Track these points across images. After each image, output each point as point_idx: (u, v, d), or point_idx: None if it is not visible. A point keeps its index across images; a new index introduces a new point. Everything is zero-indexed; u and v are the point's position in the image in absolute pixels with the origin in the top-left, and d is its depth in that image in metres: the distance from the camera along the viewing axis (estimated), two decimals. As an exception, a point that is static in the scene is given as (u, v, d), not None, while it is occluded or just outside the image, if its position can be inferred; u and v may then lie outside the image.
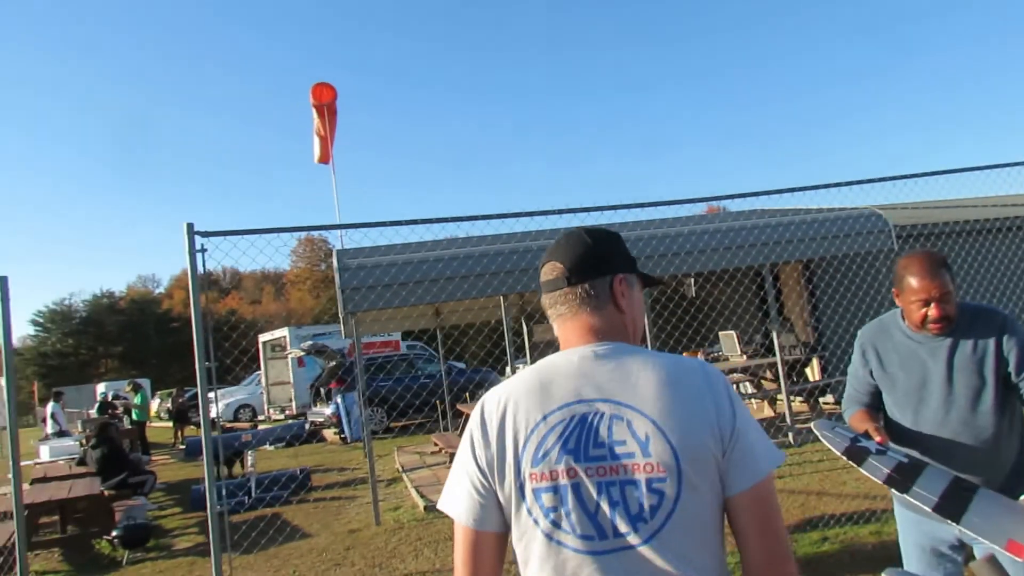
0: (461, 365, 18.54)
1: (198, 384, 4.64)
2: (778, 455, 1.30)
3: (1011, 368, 2.39)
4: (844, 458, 2.42)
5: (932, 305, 2.39)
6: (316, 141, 13.55)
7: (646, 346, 1.56)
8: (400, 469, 10.00)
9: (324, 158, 13.46)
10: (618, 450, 1.26)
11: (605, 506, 1.25)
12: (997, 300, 10.79)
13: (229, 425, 19.99)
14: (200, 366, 4.71)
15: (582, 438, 1.28)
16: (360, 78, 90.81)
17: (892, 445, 2.45)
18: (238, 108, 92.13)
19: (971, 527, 2.11)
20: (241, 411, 22.29)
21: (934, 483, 2.28)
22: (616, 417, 1.28)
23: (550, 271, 1.48)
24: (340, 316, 7.68)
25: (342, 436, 14.47)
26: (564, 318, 1.45)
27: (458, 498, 1.37)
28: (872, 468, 2.33)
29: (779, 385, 8.72)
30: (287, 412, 19.73)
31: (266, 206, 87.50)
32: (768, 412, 10.11)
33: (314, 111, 13.31)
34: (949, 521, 2.16)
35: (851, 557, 4.53)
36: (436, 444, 10.52)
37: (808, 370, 10.71)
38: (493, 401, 1.39)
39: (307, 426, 15.87)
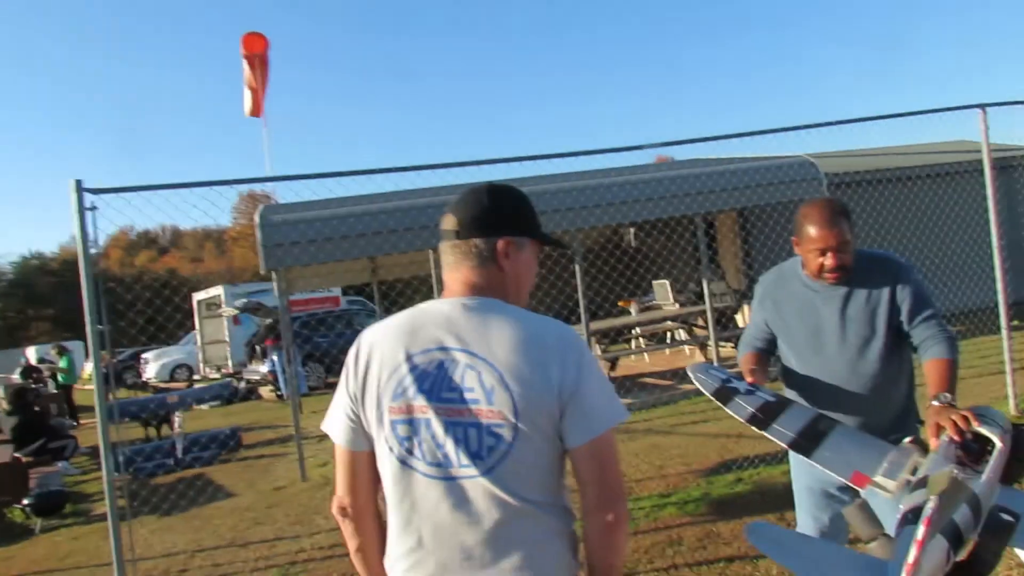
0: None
1: (90, 348, 4.36)
2: (616, 415, 1.43)
3: (903, 317, 2.38)
4: (713, 399, 2.40)
5: (829, 254, 2.35)
6: (247, 93, 13.00)
7: (523, 304, 1.59)
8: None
9: (256, 111, 12.93)
10: (466, 395, 1.39)
11: (451, 442, 1.39)
12: (925, 246, 11.04)
13: (164, 385, 19.51)
14: (92, 329, 4.42)
15: (437, 381, 1.41)
16: (295, 22, 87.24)
17: (762, 387, 2.44)
18: (165, 55, 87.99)
19: (821, 461, 2.14)
20: (178, 371, 21.74)
21: (794, 421, 2.29)
22: (470, 367, 1.40)
23: (446, 222, 1.55)
24: (261, 273, 7.41)
25: (278, 394, 14.22)
26: (450, 268, 1.54)
27: (335, 422, 1.52)
28: (737, 407, 2.34)
29: (708, 332, 8.81)
30: (223, 371, 19.32)
31: (200, 160, 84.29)
32: (700, 358, 10.23)
33: (244, 62, 12.74)
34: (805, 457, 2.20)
35: (762, 497, 4.59)
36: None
37: (739, 316, 10.86)
38: (368, 338, 1.52)
39: (242, 384, 15.56)
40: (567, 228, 8.15)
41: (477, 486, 1.38)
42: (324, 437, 9.02)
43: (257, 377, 15.66)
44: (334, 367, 14.81)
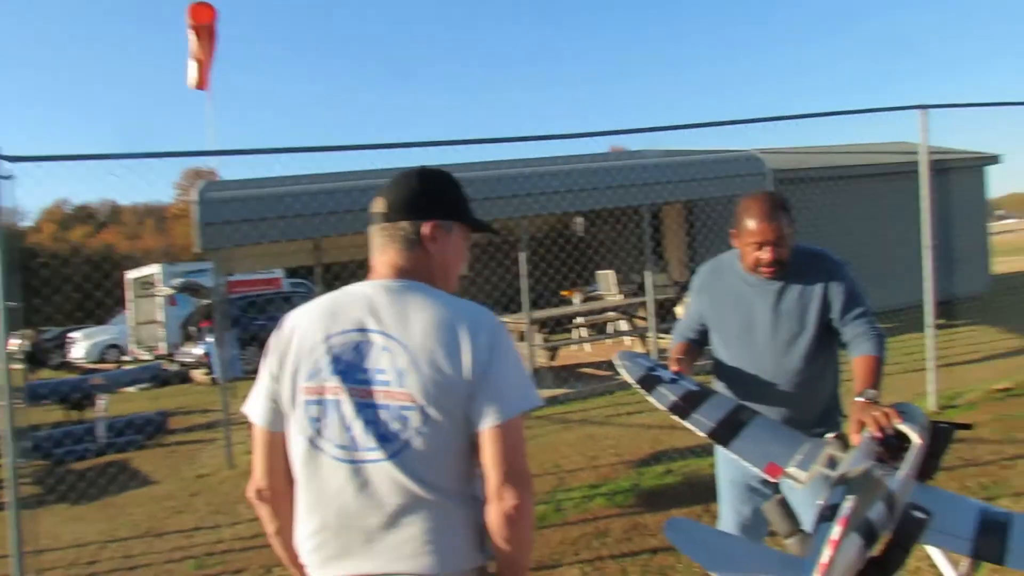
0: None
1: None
2: (527, 402, 1.42)
3: (834, 314, 2.38)
4: (637, 386, 2.36)
5: (765, 248, 2.33)
6: (192, 65, 12.50)
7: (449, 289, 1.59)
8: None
9: (201, 84, 12.44)
10: (378, 377, 1.39)
11: (360, 424, 1.39)
12: (861, 243, 11.29)
13: (92, 366, 18.77)
14: (1, 306, 4.14)
15: (352, 362, 1.41)
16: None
17: (686, 376, 2.42)
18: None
19: (737, 451, 2.13)
20: (108, 351, 20.92)
21: (714, 411, 2.27)
22: (385, 348, 1.40)
23: (375, 205, 1.56)
24: (197, 252, 7.10)
25: (212, 377, 13.81)
26: (378, 250, 1.55)
27: (255, 402, 1.52)
28: (659, 396, 2.31)
29: (649, 323, 8.84)
30: (155, 352, 18.66)
31: (142, 134, 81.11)
32: (640, 348, 10.27)
33: (191, 32, 12.23)
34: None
35: (691, 488, 4.59)
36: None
37: (678, 309, 10.94)
38: (292, 319, 1.53)
39: (175, 367, 15.08)
40: (513, 215, 8.05)
41: (381, 470, 1.38)
42: (253, 423, 8.95)
43: (190, 359, 15.18)
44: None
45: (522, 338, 8.53)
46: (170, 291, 16.97)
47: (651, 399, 2.31)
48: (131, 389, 13.95)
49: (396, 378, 1.38)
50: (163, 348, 18.56)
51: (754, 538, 2.58)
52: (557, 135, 5.85)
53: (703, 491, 4.45)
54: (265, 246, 9.79)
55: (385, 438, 1.38)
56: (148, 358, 18.75)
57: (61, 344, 21.11)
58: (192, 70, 11.99)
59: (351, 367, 1.41)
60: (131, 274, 20.22)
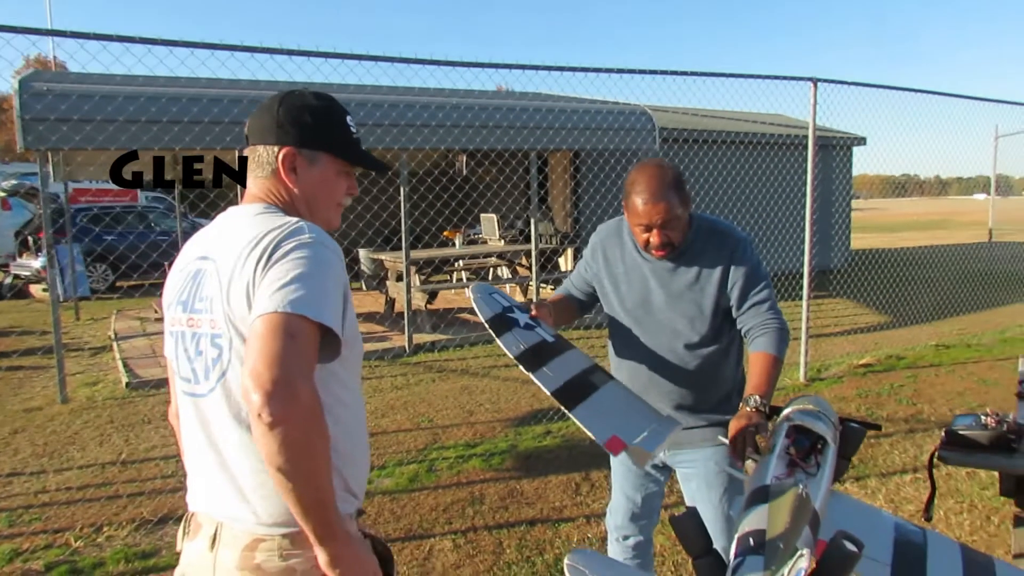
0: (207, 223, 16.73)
1: None
2: (299, 304, 1.20)
3: (732, 300, 2.14)
4: (487, 326, 2.05)
5: (654, 231, 2.07)
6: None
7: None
8: (113, 336, 8.74)
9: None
10: (203, 305, 1.34)
11: (192, 355, 1.36)
12: (744, 210, 11.62)
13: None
14: None
15: (191, 291, 1.37)
16: None
17: (544, 323, 2.16)
18: None
19: (580, 417, 1.89)
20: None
21: (565, 368, 2.03)
22: (212, 274, 1.33)
23: (246, 126, 1.49)
24: (20, 149, 6.15)
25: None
26: (248, 176, 1.47)
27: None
28: (510, 341, 2.01)
29: (531, 272, 8.68)
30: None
31: None
32: (520, 298, 10.15)
33: None
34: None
35: (569, 453, 4.48)
36: (157, 310, 9.32)
37: (562, 260, 10.87)
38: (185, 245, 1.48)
39: (8, 280, 13.58)
40: (392, 146, 7.56)
41: (211, 404, 1.33)
42: (102, 349, 8.02)
43: (28, 272, 13.71)
44: (123, 269, 13.25)
45: (399, 278, 8.15)
46: (0, 193, 15.15)
47: (501, 344, 2.01)
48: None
49: (212, 304, 1.31)
50: (-5, 258, 16.73)
51: (644, 526, 2.44)
52: (447, 62, 5.29)
53: (582, 457, 4.37)
54: (112, 152, 8.77)
55: (208, 369, 1.33)
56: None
57: None
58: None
59: (190, 296, 1.37)
60: (-44, 172, 17.93)
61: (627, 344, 2.28)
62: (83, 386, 6.55)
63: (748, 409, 1.94)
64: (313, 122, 1.44)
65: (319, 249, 1.28)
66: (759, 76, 6.00)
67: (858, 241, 18.02)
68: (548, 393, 1.92)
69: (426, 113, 7.86)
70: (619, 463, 2.43)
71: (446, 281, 10.53)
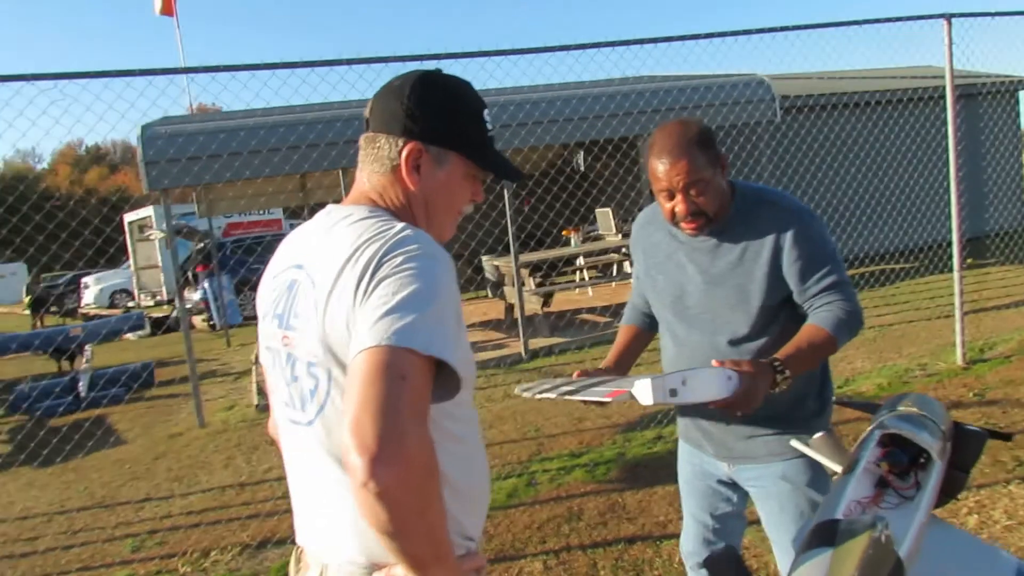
0: None
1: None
2: (404, 335, 0.97)
3: (792, 282, 1.77)
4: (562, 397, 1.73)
5: (678, 197, 1.74)
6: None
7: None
8: (254, 360, 9.23)
9: (166, 9, 11.73)
10: (297, 323, 1.16)
11: (289, 379, 1.20)
12: (886, 178, 10.54)
13: (104, 312, 18.63)
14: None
15: (286, 304, 1.19)
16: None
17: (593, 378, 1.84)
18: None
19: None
20: (118, 296, 20.80)
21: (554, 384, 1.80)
22: (307, 288, 1.15)
23: (367, 108, 1.27)
24: (144, 191, 6.61)
25: (211, 323, 13.53)
26: (359, 167, 1.28)
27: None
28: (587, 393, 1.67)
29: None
30: (158, 297, 18.44)
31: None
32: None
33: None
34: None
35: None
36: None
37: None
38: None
39: (173, 313, 14.84)
40: (505, 147, 7.47)
41: (310, 436, 1.17)
42: (244, 374, 8.49)
43: (189, 305, 14.91)
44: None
45: (510, 283, 8.03)
46: (161, 234, 16.63)
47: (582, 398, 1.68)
48: (130, 337, 13.78)
49: (305, 324, 1.13)
50: (164, 293, 18.33)
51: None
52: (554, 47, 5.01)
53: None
54: (248, 185, 9.27)
55: (306, 398, 1.16)
56: (150, 304, 18.58)
57: (75, 289, 21.02)
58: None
59: (287, 310, 1.18)
60: (129, 217, 19.85)
61: (670, 344, 1.98)
62: (221, 410, 6.92)
63: (764, 362, 1.64)
64: (448, 114, 1.23)
65: (430, 263, 1.08)
66: (879, 21, 5.30)
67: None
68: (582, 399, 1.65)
69: (538, 110, 7.70)
70: (682, 480, 2.12)
71: (571, 281, 10.30)
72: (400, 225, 1.13)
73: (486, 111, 1.28)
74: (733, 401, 1.57)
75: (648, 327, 2.09)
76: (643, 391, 1.50)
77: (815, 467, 1.84)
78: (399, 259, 1.05)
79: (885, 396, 4.85)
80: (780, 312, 1.81)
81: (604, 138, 8.10)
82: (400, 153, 1.21)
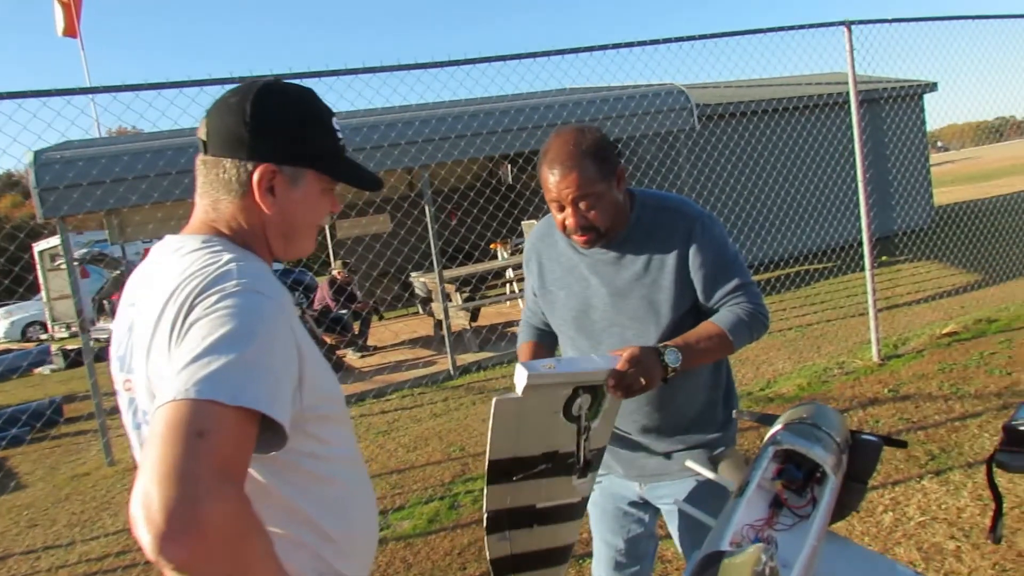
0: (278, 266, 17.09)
1: None
2: (204, 388, 0.85)
3: (699, 291, 1.73)
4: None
5: (568, 210, 1.67)
6: (58, 9, 11.24)
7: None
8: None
9: (70, 31, 11.21)
10: (137, 367, 1.05)
11: (134, 425, 1.13)
12: (798, 182, 10.82)
13: (14, 346, 17.68)
14: None
15: (128, 347, 1.09)
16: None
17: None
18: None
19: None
20: (31, 329, 19.77)
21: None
22: (138, 329, 1.05)
23: (200, 128, 1.15)
24: (40, 219, 6.23)
25: (128, 354, 12.95)
26: (197, 192, 1.16)
27: None
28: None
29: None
30: (72, 329, 17.58)
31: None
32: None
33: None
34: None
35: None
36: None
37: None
38: None
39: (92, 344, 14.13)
40: (412, 165, 7.38)
41: None
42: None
43: (105, 336, 14.25)
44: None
45: (437, 299, 7.90)
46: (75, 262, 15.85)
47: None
48: (43, 371, 13.09)
49: (138, 369, 1.05)
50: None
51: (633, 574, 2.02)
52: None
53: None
54: (160, 209, 8.87)
55: (141, 443, 1.11)
56: (64, 335, 17.70)
57: (-18, 323, 19.90)
58: (59, 15, 10.80)
59: (126, 353, 1.10)
60: (39, 246, 18.89)
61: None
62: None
63: (648, 348, 1.59)
64: (297, 129, 1.14)
65: (252, 300, 0.97)
66: (784, 28, 5.43)
67: (944, 196, 16.71)
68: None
69: (461, 123, 7.64)
70: (592, 505, 2.02)
71: (501, 295, 10.21)
72: (226, 257, 1.03)
73: (334, 118, 1.20)
74: (622, 371, 1.51)
75: (549, 343, 2.00)
76: (520, 373, 1.48)
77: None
78: (213, 298, 0.95)
79: (802, 398, 4.90)
80: (688, 321, 1.75)
81: (529, 150, 8.09)
82: (251, 177, 1.11)
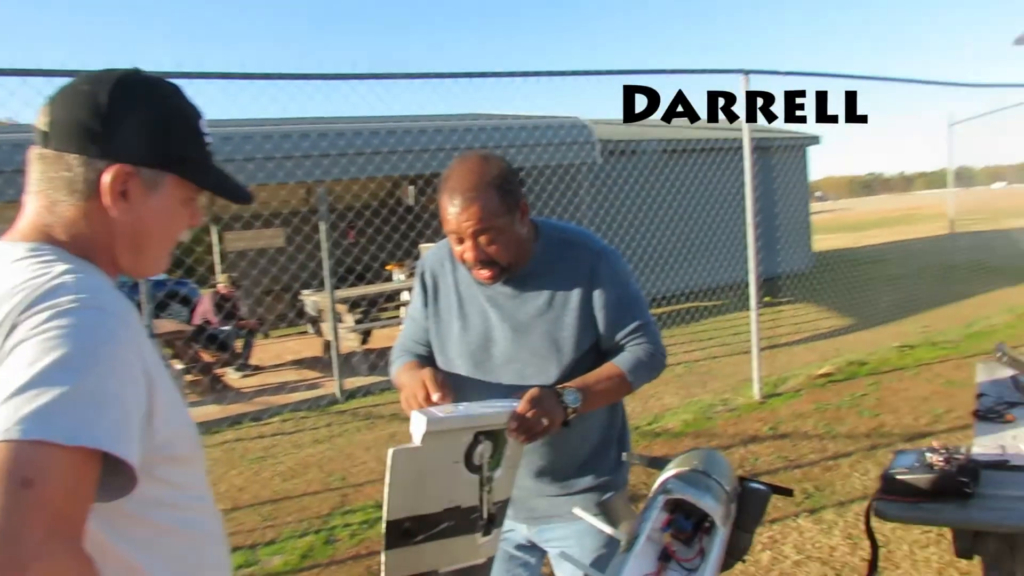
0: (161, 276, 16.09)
1: None
2: (34, 424, 0.71)
3: (601, 329, 1.68)
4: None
5: (467, 243, 1.58)
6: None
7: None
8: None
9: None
10: None
11: None
12: (706, 221, 11.21)
13: None
14: None
15: None
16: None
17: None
18: None
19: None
20: None
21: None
22: None
23: (39, 116, 0.96)
24: None
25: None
26: (29, 190, 0.97)
27: None
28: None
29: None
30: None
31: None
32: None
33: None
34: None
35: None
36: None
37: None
38: None
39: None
40: (305, 179, 7.16)
41: None
42: None
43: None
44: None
45: (327, 319, 7.63)
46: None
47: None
48: None
49: None
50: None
51: None
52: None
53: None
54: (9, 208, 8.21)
55: None
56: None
57: None
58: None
59: None
60: None
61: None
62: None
63: (549, 390, 1.54)
64: (160, 127, 0.98)
65: (92, 318, 0.82)
66: (684, 71, 5.61)
67: (822, 243, 17.78)
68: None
69: (360, 139, 7.47)
70: None
71: (394, 318, 9.99)
72: (60, 268, 0.87)
73: (203, 120, 1.05)
74: (523, 413, 1.44)
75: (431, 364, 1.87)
76: (418, 420, 1.38)
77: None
78: (43, 315, 0.80)
79: (687, 434, 4.98)
80: (589, 359, 1.69)
81: (431, 172, 8.00)
82: (101, 178, 0.95)
